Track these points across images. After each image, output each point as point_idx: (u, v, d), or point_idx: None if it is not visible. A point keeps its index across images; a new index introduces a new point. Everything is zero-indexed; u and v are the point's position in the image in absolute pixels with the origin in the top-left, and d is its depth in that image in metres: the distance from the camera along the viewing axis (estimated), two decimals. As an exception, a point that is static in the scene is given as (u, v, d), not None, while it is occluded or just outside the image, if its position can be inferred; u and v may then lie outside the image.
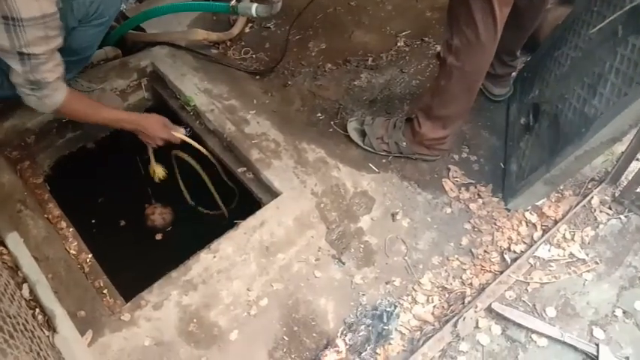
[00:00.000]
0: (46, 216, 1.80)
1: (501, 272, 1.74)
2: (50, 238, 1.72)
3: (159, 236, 2.22)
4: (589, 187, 1.98)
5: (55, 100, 1.69)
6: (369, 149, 2.06)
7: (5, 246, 1.63)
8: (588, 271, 1.76)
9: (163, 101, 2.25)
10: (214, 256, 1.70)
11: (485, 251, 1.81)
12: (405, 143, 2.00)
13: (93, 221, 2.34)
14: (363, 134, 2.06)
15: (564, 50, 1.97)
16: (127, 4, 2.63)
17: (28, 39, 1.48)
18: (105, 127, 2.10)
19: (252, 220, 1.80)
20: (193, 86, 2.20)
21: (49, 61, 1.60)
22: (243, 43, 2.50)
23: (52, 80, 1.64)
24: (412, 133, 1.98)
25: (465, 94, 1.85)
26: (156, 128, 1.93)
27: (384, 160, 2.05)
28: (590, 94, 1.66)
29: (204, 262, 1.69)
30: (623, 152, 1.87)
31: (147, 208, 2.27)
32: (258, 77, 2.34)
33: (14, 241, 1.63)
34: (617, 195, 1.93)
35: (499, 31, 1.66)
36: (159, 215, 2.25)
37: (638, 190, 1.87)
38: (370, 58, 2.46)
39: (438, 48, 2.50)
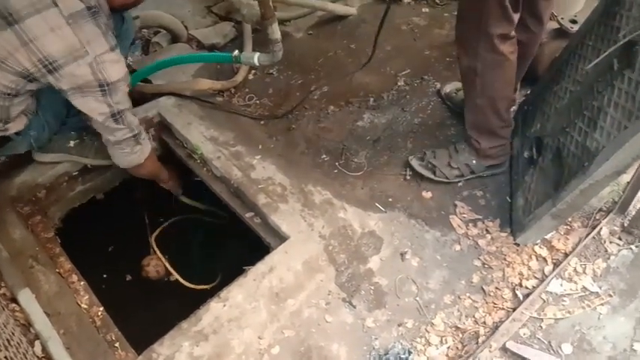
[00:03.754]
0: (57, 270, 1.81)
1: (514, 309, 1.73)
2: (62, 292, 1.73)
3: (172, 278, 2.26)
4: (597, 217, 1.97)
5: (149, 145, 1.98)
6: (443, 180, 2.09)
7: (18, 303, 1.65)
8: (602, 304, 1.74)
9: (171, 150, 2.30)
10: (224, 305, 1.70)
11: (496, 288, 1.80)
12: (474, 161, 2.07)
13: (103, 273, 2.35)
14: (430, 168, 2.10)
15: (563, 84, 1.99)
16: (132, 56, 2.71)
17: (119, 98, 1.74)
18: (115, 179, 2.21)
19: (261, 266, 1.81)
20: (199, 134, 2.24)
21: (131, 113, 1.84)
22: (247, 90, 2.55)
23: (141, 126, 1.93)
24: (475, 151, 2.06)
25: (503, 102, 1.96)
26: (176, 175, 2.33)
27: (390, 199, 2.06)
28: (590, 127, 1.67)
29: (214, 311, 1.69)
30: (628, 182, 1.87)
31: (144, 259, 2.33)
32: (262, 122, 2.38)
33: (26, 298, 1.64)
34: (626, 225, 1.92)
35: (515, 43, 1.81)
36: (153, 267, 2.29)
37: (647, 219, 1.86)
38: (372, 99, 2.50)
39: (438, 85, 2.54)
